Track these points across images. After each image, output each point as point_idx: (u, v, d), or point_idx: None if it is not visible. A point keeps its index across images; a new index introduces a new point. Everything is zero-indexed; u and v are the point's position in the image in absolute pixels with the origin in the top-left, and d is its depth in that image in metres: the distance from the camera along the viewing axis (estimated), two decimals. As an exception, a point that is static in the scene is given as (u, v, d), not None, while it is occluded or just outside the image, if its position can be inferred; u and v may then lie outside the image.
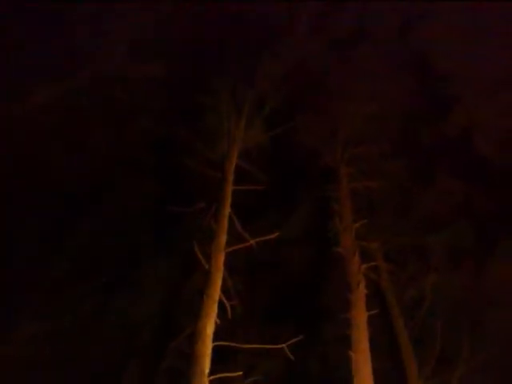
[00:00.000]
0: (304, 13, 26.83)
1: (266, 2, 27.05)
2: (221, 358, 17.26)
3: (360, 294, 20.82)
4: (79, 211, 22.83)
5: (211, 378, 15.84)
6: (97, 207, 23.64)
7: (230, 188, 21.28)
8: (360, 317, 20.17)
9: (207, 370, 16.06)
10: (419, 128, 24.92)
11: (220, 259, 18.84)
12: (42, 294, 22.85)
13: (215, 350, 16.58)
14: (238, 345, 17.52)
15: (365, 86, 24.53)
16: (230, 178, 21.62)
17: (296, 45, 26.64)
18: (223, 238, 19.44)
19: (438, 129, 24.99)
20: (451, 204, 24.43)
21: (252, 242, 20.00)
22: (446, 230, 24.14)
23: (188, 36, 25.70)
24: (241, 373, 17.29)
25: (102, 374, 20.78)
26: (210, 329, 16.89)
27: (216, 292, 17.84)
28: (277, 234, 20.12)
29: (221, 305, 17.75)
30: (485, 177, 24.49)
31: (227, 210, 20.40)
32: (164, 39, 25.62)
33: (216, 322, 17.07)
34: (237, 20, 26.59)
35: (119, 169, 24.18)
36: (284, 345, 17.19)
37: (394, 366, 22.92)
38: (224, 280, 18.69)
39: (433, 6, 26.57)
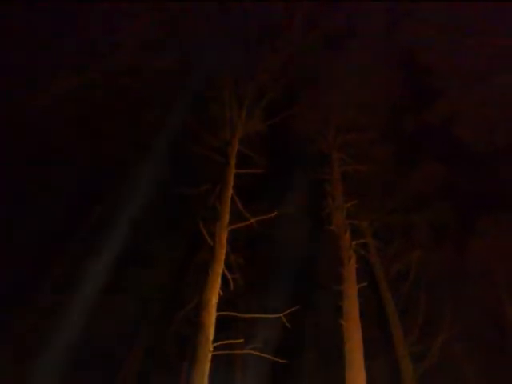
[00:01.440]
0: (300, 11, 26.60)
1: (266, 2, 26.83)
2: (224, 327, 17.21)
3: (351, 268, 20.69)
4: (96, 193, 22.74)
5: (215, 344, 15.79)
6: (111, 189, 23.60)
7: (232, 171, 21.15)
8: (351, 289, 20.05)
9: (211, 337, 16.02)
10: (405, 116, 24.75)
11: (223, 236, 18.73)
12: (64, 268, 22.85)
13: (218, 319, 16.52)
14: (239, 314, 17.50)
15: (355, 79, 24.36)
16: (233, 162, 21.48)
17: (293, 41, 26.47)
18: (226, 217, 19.32)
19: (422, 117, 24.81)
20: (434, 186, 24.26)
21: (252, 220, 19.97)
22: (430, 209, 24.05)
23: (193, 33, 25.53)
24: (242, 340, 17.34)
25: (116, 338, 20.74)
26: (214, 299, 16.81)
27: (220, 266, 17.72)
28: (275, 213, 20.11)
29: (224, 278, 17.69)
30: (465, 161, 24.38)
31: (230, 192, 20.27)
32: (171, 36, 25.45)
33: (219, 294, 17.02)
34: (238, 18, 26.42)
35: (131, 154, 24.10)
36: (281, 314, 17.11)
37: (382, 333, 22.96)
38: (227, 255, 18.67)
39: (417, 5, 26.39)
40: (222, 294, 17.00)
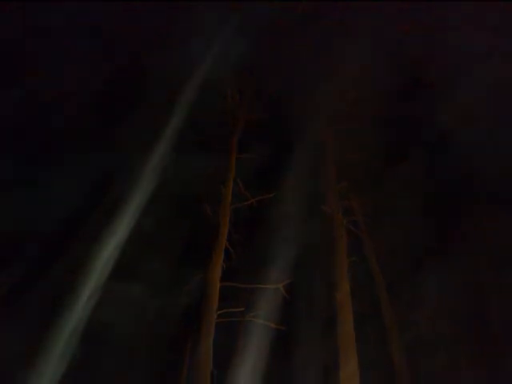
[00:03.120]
0: (297, 10, 26.88)
1: (265, 1, 27.10)
2: (226, 297, 17.58)
3: (342, 244, 21.13)
4: (106, 179, 22.81)
5: (219, 312, 16.22)
6: (121, 175, 23.70)
7: (234, 157, 21.57)
8: (343, 264, 20.49)
9: (215, 306, 16.45)
10: (394, 107, 24.89)
11: (226, 215, 19.21)
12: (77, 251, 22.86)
13: (221, 289, 16.90)
14: (240, 285, 17.90)
15: (349, 73, 24.57)
16: (235, 148, 21.89)
17: (290, 38, 26.73)
18: (229, 198, 19.82)
19: (410, 107, 25.00)
20: (420, 171, 24.46)
21: (252, 200, 20.41)
22: (415, 192, 24.23)
23: (197, 29, 25.84)
24: (243, 309, 17.74)
25: (123, 315, 20.86)
26: (217, 272, 17.27)
27: (223, 242, 18.20)
28: (273, 194, 20.56)
29: (226, 253, 18.06)
30: (447, 149, 24.59)
31: (232, 175, 20.72)
32: (176, 34, 25.74)
33: (222, 267, 17.42)
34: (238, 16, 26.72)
35: (139, 143, 24.23)
36: (280, 285, 17.53)
37: (372, 305, 23.24)
38: (229, 233, 19.06)
39: (408, 4, 26.64)
40: (224, 267, 17.50)
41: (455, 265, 22.59)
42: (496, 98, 23.47)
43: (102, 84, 24.15)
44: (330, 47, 25.96)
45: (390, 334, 22.29)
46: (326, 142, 24.53)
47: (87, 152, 22.89)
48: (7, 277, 19.57)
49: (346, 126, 24.73)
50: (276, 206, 21.14)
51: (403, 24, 25.97)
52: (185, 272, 20.65)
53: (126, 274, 21.47)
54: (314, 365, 19.39)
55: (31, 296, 20.62)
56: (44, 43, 23.91)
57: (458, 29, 24.69)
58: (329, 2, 26.90)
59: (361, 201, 24.58)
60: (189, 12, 25.86)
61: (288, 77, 25.35)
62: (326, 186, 22.52)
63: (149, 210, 21.65)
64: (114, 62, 24.69)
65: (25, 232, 20.06)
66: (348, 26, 25.94)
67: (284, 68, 25.50)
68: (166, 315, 20.98)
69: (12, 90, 22.52)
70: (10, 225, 20.11)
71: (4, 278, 19.12)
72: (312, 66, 25.93)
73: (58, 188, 21.99)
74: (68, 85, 23.48)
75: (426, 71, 25.56)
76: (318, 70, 25.51)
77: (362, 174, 23.79)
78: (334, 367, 17.89)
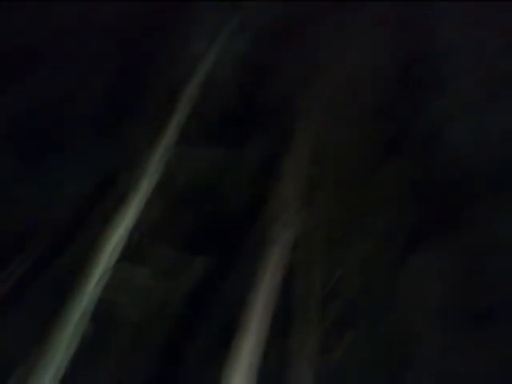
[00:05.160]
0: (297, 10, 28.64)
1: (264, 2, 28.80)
2: (227, 278, 19.61)
3: (336, 234, 23.14)
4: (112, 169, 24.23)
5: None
6: (126, 168, 25.19)
7: (236, 150, 23.68)
8: (335, 250, 22.49)
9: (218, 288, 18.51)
10: (393, 104, 26.21)
11: (228, 204, 21.43)
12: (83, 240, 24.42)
13: (223, 271, 18.97)
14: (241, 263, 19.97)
15: (346, 67, 26.13)
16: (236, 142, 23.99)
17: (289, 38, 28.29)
18: (231, 189, 22.06)
19: (408, 105, 26.32)
20: (417, 164, 25.97)
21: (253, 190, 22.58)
22: (412, 185, 25.87)
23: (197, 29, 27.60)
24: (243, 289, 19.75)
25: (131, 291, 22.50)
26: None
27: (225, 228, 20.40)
28: (273, 185, 22.69)
29: (228, 240, 20.17)
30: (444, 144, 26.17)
31: (234, 167, 22.85)
32: (177, 33, 27.35)
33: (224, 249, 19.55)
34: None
35: (143, 138, 25.79)
36: (280, 264, 19.53)
37: (362, 291, 25.03)
38: (230, 221, 21.24)
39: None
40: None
41: (448, 251, 24.23)
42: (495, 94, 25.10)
43: (102, 83, 25.84)
44: (329, 46, 27.70)
45: (380, 317, 24.12)
46: (325, 138, 26.39)
47: (89, 147, 24.28)
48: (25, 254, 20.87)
49: (345, 123, 26.52)
50: (276, 195, 22.94)
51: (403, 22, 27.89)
52: (189, 257, 22.34)
53: (134, 258, 23.05)
54: (310, 344, 21.05)
55: (40, 282, 21.98)
56: (44, 42, 25.92)
57: (457, 28, 26.57)
58: (329, 2, 28.72)
59: (356, 192, 26.49)
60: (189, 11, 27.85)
61: (287, 74, 26.98)
62: (323, 178, 24.16)
63: (154, 200, 23.35)
64: (115, 60, 26.51)
65: (35, 215, 21.24)
66: (345, 25, 27.74)
67: (283, 66, 27.18)
68: (171, 298, 22.59)
69: (11, 89, 24.29)
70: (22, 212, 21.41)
71: (22, 256, 20.45)
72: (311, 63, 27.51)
73: (58, 181, 23.17)
74: (69, 84, 25.18)
75: (425, 68, 27.20)
76: (317, 68, 27.18)
77: (358, 168, 25.48)
78: (328, 346, 19.65)
